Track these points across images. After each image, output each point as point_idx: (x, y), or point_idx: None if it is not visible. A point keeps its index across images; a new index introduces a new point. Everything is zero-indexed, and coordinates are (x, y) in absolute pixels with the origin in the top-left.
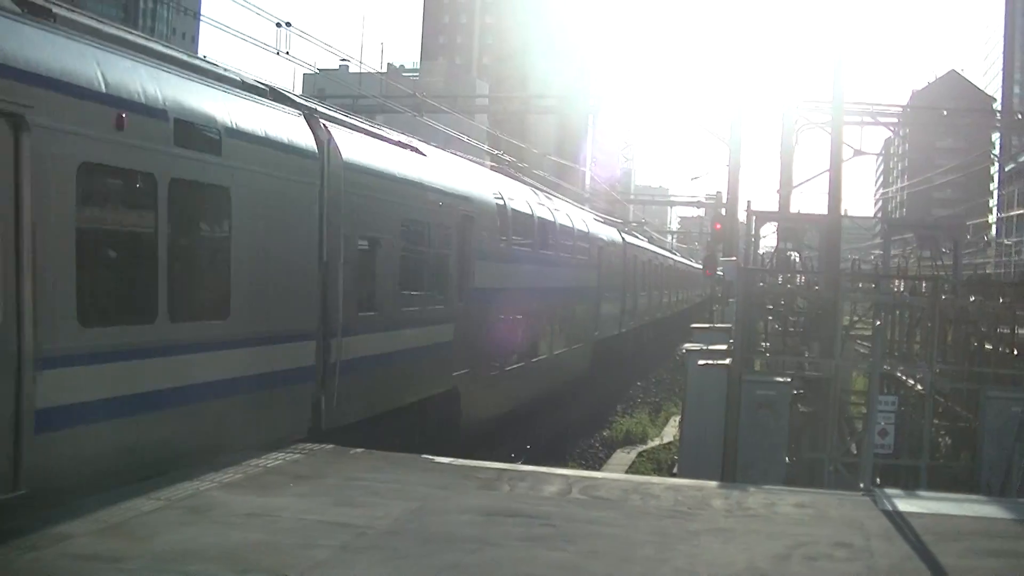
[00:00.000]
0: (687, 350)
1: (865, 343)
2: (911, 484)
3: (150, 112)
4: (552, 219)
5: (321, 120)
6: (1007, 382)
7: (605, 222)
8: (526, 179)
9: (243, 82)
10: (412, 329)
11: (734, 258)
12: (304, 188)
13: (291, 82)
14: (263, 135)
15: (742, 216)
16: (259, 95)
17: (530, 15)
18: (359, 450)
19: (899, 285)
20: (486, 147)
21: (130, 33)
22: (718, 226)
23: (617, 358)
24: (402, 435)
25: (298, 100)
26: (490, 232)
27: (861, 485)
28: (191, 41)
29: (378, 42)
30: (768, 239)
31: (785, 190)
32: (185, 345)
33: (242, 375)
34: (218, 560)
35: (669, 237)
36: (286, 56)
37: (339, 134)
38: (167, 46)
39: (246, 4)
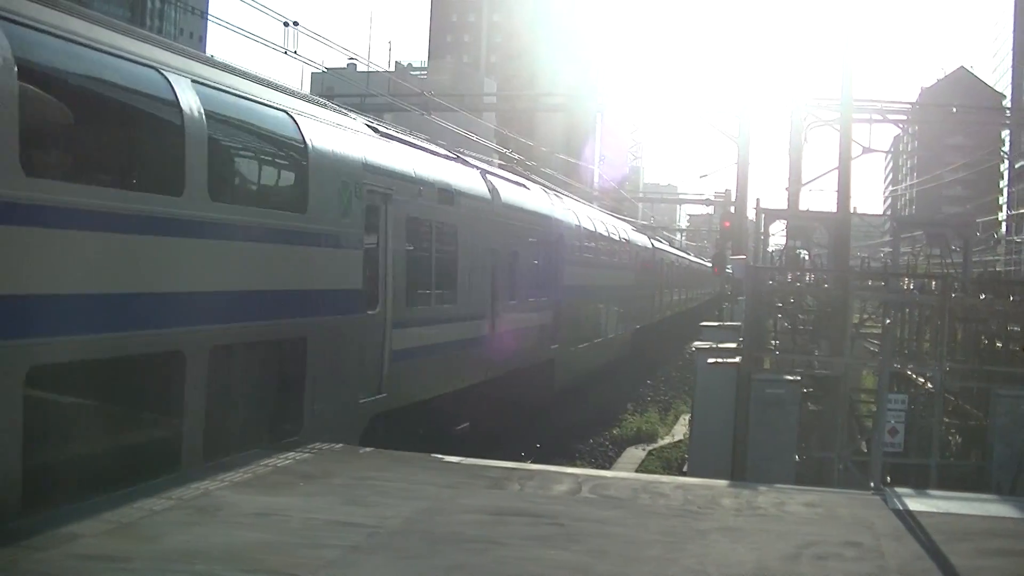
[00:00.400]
0: (696, 348)
1: (875, 341)
2: (921, 483)
3: (429, 185)
4: (605, 232)
5: (488, 175)
6: (1017, 380)
7: (638, 230)
8: (574, 196)
9: (459, 158)
10: (532, 313)
11: (743, 256)
12: (485, 220)
13: (299, 81)
14: (471, 191)
15: (751, 214)
16: (463, 163)
17: (538, 13)
18: (368, 449)
19: (908, 283)
20: (494, 145)
21: (424, 140)
22: (727, 224)
23: (649, 343)
24: (526, 387)
25: (479, 165)
26: (572, 244)
27: (871, 484)
28: (198, 41)
29: (386, 41)
30: (777, 237)
31: (794, 188)
32: (454, 317)
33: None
34: (226, 560)
35: (678, 235)
36: (294, 55)
37: (498, 183)
38: (432, 142)
39: (253, 3)
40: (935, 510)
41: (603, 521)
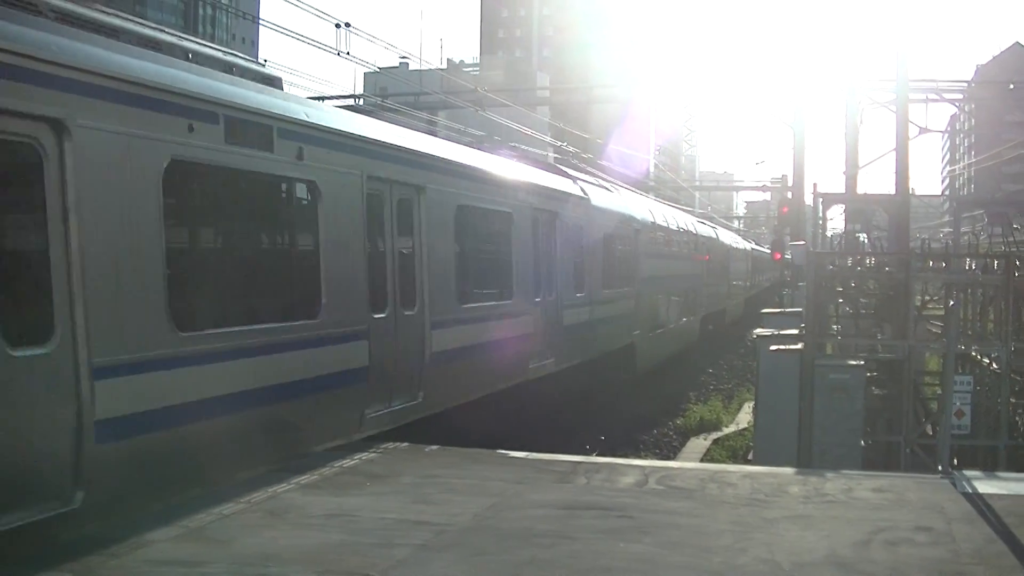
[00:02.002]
0: (758, 335)
1: (938, 323)
2: (989, 465)
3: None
4: (676, 226)
5: (579, 182)
6: None
7: (703, 221)
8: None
9: (574, 179)
10: (619, 303)
11: (802, 242)
12: (581, 221)
13: (351, 82)
14: (568, 193)
15: (809, 199)
16: (569, 178)
17: (588, 5)
18: (434, 447)
19: (971, 263)
20: (548, 139)
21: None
22: (785, 210)
23: (716, 328)
24: (613, 369)
25: (572, 173)
26: (648, 239)
27: (939, 467)
28: (251, 45)
29: (437, 38)
30: (836, 221)
31: (851, 171)
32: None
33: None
34: (298, 562)
35: (736, 222)
36: (347, 56)
37: (589, 189)
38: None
39: (305, 6)
40: (1006, 492)
41: (672, 512)
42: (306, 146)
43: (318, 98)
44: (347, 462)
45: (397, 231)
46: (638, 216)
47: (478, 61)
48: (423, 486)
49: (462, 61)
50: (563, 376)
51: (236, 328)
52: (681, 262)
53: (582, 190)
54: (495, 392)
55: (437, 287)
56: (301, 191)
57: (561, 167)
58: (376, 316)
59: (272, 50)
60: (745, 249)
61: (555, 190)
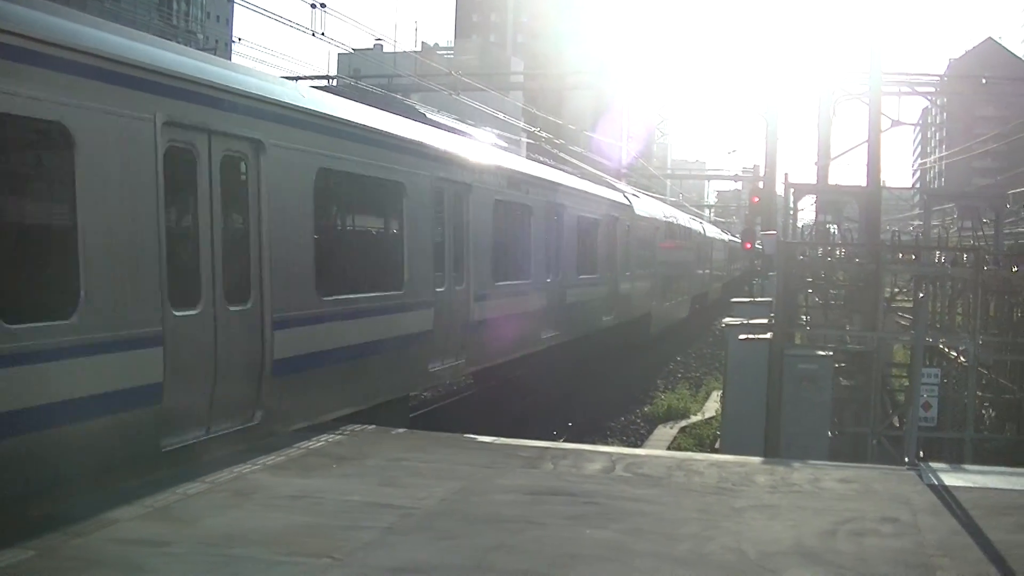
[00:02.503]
0: (727, 324)
1: (907, 315)
2: (955, 457)
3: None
4: (680, 223)
5: (625, 192)
6: None
7: (693, 218)
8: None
9: (624, 192)
10: (642, 282)
11: (773, 232)
12: (630, 225)
13: (326, 63)
14: (628, 206)
15: (780, 189)
16: (619, 191)
17: None
18: (401, 430)
19: (940, 256)
20: (522, 124)
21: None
22: (755, 199)
23: (700, 306)
24: (634, 332)
25: (619, 187)
26: (663, 235)
27: (906, 459)
28: (225, 24)
29: (412, 21)
30: (807, 212)
31: (823, 162)
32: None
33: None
34: (263, 543)
35: (706, 211)
36: (321, 37)
37: (634, 200)
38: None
39: None
40: (971, 485)
41: (638, 499)
42: (400, 155)
43: (292, 78)
44: (314, 444)
45: (452, 223)
46: (659, 217)
47: (452, 45)
48: (390, 469)
49: (436, 44)
50: (618, 329)
51: (355, 295)
52: (681, 252)
53: (630, 202)
54: (534, 352)
55: (479, 268)
56: (394, 190)
57: (614, 183)
58: (438, 290)
59: (246, 29)
60: (724, 240)
61: (619, 204)
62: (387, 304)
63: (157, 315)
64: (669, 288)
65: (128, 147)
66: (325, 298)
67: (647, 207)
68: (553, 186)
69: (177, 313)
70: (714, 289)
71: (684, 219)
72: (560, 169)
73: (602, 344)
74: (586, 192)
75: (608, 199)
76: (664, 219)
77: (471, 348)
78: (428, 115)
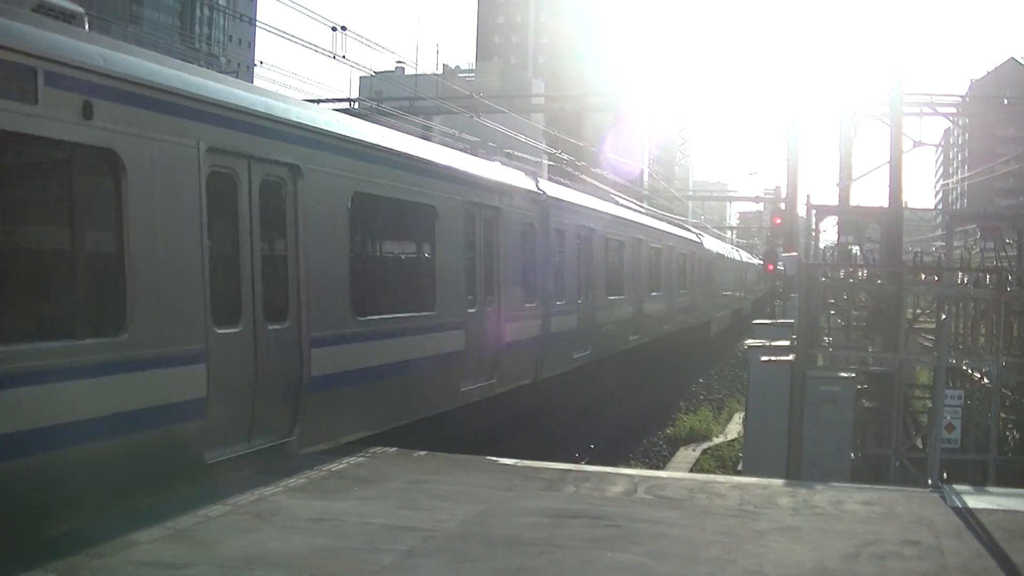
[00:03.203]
0: (749, 346)
1: (929, 336)
2: (978, 479)
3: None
4: (725, 253)
5: (701, 235)
6: None
7: (736, 249)
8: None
9: (697, 232)
10: (706, 297)
11: (795, 253)
12: (701, 258)
13: (347, 85)
14: (699, 243)
15: (802, 210)
16: (693, 232)
17: (585, 13)
18: (422, 452)
19: (962, 277)
20: (543, 146)
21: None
22: (777, 221)
23: (737, 319)
24: (700, 334)
25: (694, 229)
26: (715, 263)
27: (929, 481)
28: (247, 47)
29: (433, 43)
30: (829, 233)
31: (845, 183)
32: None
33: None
34: (283, 566)
35: (728, 232)
36: (342, 60)
37: (704, 239)
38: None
39: (302, 9)
40: (995, 507)
41: (660, 522)
42: (431, 179)
43: (314, 101)
44: (334, 466)
45: (483, 246)
46: (713, 250)
47: (474, 67)
48: (410, 491)
49: (458, 67)
50: (690, 330)
51: (389, 315)
52: (726, 274)
53: (700, 239)
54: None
55: (509, 291)
56: (426, 214)
57: (690, 227)
58: (469, 311)
59: (268, 52)
60: (754, 264)
61: (692, 240)
62: (420, 324)
63: (201, 333)
64: (720, 303)
65: (174, 173)
66: (360, 318)
67: (714, 245)
68: (625, 223)
69: (219, 331)
70: (746, 305)
71: (725, 248)
72: (624, 205)
73: (669, 343)
74: (677, 235)
75: (687, 238)
76: (717, 251)
77: (502, 368)
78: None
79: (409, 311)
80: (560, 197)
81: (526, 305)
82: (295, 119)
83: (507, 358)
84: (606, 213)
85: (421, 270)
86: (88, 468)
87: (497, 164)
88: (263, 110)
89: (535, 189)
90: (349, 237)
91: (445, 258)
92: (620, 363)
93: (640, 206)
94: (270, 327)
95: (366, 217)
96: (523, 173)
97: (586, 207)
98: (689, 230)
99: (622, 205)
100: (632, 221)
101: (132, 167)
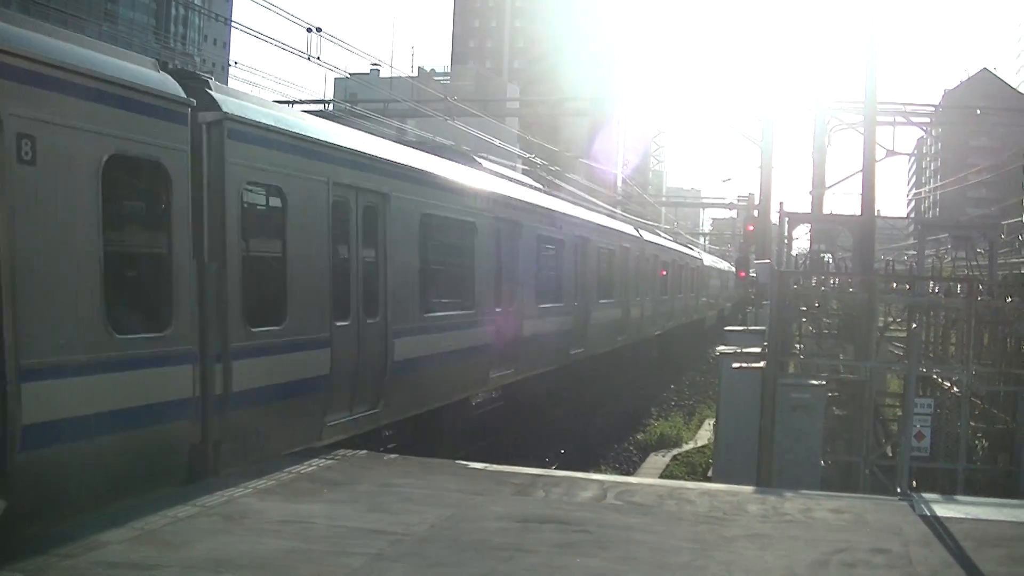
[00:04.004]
0: (720, 353)
1: (900, 345)
2: (947, 488)
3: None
4: (713, 264)
5: (703, 253)
6: None
7: (716, 255)
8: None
9: (700, 249)
10: (704, 298)
11: (768, 260)
12: (704, 270)
13: (322, 87)
14: (659, 244)
15: (774, 218)
16: (698, 247)
17: (560, 18)
18: (393, 456)
19: (934, 286)
20: (517, 151)
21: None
22: (750, 228)
23: (720, 318)
24: (697, 327)
25: (698, 246)
26: (706, 271)
27: (898, 489)
28: (222, 47)
29: (409, 46)
30: (801, 240)
31: (818, 191)
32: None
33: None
34: (251, 568)
35: (701, 239)
36: (317, 61)
37: (704, 256)
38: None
39: (277, 10)
40: (964, 516)
41: (630, 528)
42: (472, 200)
43: (288, 102)
44: (304, 468)
45: (506, 255)
46: (705, 263)
47: (449, 70)
48: (380, 495)
49: (433, 70)
50: (689, 325)
51: (444, 313)
52: (714, 280)
53: (702, 255)
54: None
55: (525, 293)
56: (469, 229)
57: (693, 244)
58: (496, 310)
59: (243, 52)
60: (731, 271)
61: (693, 256)
62: (464, 320)
63: (328, 324)
64: (710, 302)
65: (314, 203)
66: (426, 315)
67: (709, 259)
68: (626, 236)
69: (338, 324)
70: (726, 307)
71: (714, 260)
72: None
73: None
74: (676, 250)
75: (686, 253)
76: (707, 264)
77: (521, 359)
78: (483, 163)
79: (456, 310)
80: (569, 213)
81: (539, 306)
82: (385, 156)
83: (525, 350)
84: (602, 225)
85: (464, 275)
86: (266, 424)
87: (527, 189)
88: (365, 150)
89: (552, 208)
90: (419, 249)
91: (482, 266)
92: (609, 360)
93: (627, 217)
94: (368, 321)
95: (429, 232)
96: (541, 193)
97: (587, 221)
98: (690, 246)
99: (605, 214)
100: (619, 231)
101: (290, 199)
